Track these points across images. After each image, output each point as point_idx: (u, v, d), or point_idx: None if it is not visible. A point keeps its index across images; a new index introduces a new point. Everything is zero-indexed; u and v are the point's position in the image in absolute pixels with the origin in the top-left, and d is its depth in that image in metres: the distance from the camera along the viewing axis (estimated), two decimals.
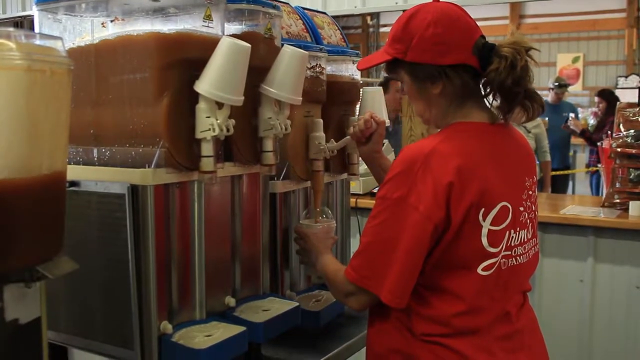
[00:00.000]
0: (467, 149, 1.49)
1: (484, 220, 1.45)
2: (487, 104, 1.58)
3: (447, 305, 1.48)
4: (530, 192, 1.59)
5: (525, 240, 1.56)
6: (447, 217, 1.43)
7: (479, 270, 1.47)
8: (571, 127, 6.58)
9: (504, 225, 1.49)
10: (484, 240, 1.46)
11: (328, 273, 1.66)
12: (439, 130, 1.58)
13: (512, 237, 1.52)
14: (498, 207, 1.47)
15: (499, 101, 1.54)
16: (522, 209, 1.54)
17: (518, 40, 1.52)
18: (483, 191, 1.45)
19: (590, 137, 6.81)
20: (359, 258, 1.51)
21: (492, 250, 1.48)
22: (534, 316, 1.65)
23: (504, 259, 1.50)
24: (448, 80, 1.52)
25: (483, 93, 1.56)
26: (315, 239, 1.84)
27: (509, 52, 1.49)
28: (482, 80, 1.54)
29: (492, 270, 1.48)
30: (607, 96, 7.10)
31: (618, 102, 3.99)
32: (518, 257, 1.54)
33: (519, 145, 1.63)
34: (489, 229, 1.46)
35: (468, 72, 1.53)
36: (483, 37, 1.53)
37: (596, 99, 7.30)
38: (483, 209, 1.45)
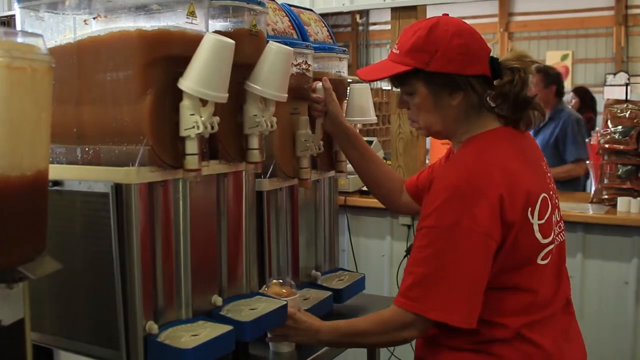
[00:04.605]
0: (501, 156, 1.55)
1: (532, 217, 1.51)
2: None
3: (517, 301, 1.53)
4: (549, 174, 1.66)
5: (559, 219, 1.64)
6: (504, 228, 1.48)
7: (538, 261, 1.54)
8: None
9: (548, 215, 1.55)
10: (538, 235, 1.52)
11: (356, 327, 1.66)
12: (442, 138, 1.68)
13: (554, 220, 1.59)
14: (540, 200, 1.54)
15: (504, 111, 1.61)
16: (552, 192, 1.61)
17: (523, 53, 1.61)
18: (527, 191, 1.51)
19: None
20: (417, 290, 1.51)
21: (545, 241, 1.54)
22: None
23: (552, 244, 1.57)
24: (472, 90, 1.56)
25: (493, 104, 1.61)
26: (305, 315, 1.74)
27: (520, 65, 1.57)
28: (493, 92, 1.60)
29: (549, 259, 1.56)
30: (582, 94, 7.15)
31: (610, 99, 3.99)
32: (558, 237, 1.61)
33: (528, 136, 1.69)
34: (538, 224, 1.52)
35: (486, 83, 1.58)
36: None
37: (570, 94, 7.35)
38: (530, 208, 1.51)
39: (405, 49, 1.57)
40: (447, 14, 1.61)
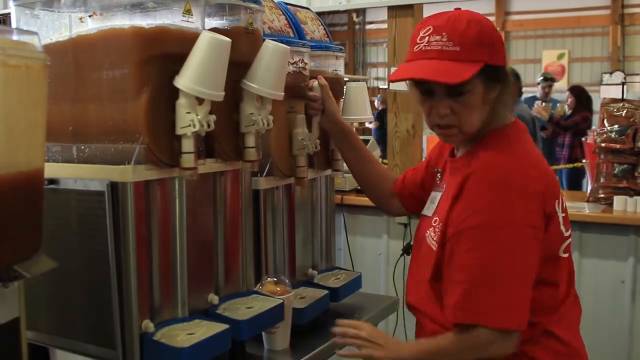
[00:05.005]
0: (531, 150, 1.55)
1: (559, 209, 1.52)
2: None
3: (545, 295, 1.50)
4: None
5: None
6: (545, 220, 1.47)
7: (560, 254, 1.54)
8: (534, 112, 6.62)
9: (565, 206, 1.56)
10: (562, 228, 1.53)
11: (446, 347, 1.48)
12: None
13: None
14: (561, 194, 1.54)
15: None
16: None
17: None
18: (555, 184, 1.52)
19: (559, 121, 6.87)
20: (475, 296, 1.41)
21: (567, 234, 1.55)
22: None
23: (570, 238, 1.58)
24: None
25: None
26: (371, 328, 1.61)
27: None
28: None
29: (567, 253, 1.56)
30: (578, 93, 7.17)
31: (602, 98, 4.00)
32: (568, 229, 1.60)
33: None
34: (562, 217, 1.53)
35: None
36: None
37: (567, 93, 7.38)
38: (557, 200, 1.51)
39: (467, 44, 1.44)
40: (460, 9, 1.52)
